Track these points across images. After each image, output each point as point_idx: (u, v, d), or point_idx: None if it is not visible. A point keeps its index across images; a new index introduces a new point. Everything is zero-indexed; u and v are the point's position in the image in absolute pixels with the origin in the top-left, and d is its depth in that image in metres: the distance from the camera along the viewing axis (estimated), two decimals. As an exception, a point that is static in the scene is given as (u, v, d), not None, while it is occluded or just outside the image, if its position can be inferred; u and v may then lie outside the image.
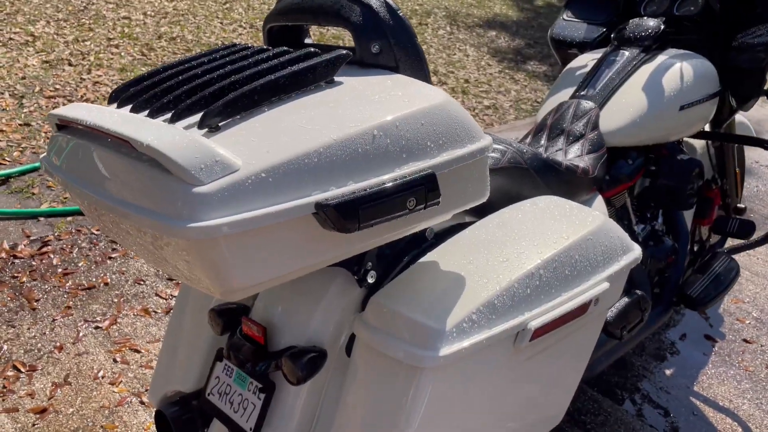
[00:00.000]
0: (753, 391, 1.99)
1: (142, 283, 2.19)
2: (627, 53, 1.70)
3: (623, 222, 1.72)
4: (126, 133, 0.79)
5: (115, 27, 4.82)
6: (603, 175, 1.57)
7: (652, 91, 1.62)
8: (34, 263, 2.22)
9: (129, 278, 2.20)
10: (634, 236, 1.74)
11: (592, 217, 1.16)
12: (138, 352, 1.86)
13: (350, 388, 1.01)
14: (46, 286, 2.11)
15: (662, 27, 1.72)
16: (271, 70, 0.88)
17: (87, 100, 3.57)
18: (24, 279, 2.12)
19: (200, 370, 1.23)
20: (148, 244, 0.84)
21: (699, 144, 2.04)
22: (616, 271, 1.13)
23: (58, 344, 1.86)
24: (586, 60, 1.83)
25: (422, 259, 1.08)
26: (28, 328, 1.92)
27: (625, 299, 1.47)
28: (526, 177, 1.32)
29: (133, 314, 2.02)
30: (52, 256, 2.26)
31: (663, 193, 1.73)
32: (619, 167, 1.67)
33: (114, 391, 1.72)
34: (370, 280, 1.06)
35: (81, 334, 1.91)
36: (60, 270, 2.19)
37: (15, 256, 2.23)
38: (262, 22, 1.03)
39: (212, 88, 0.86)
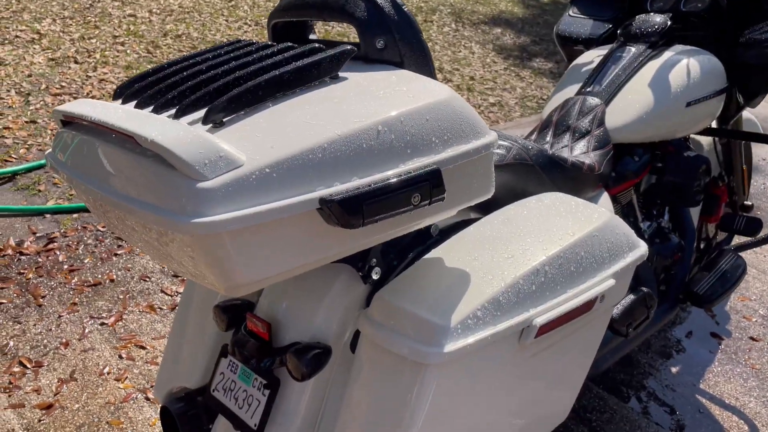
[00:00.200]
0: (759, 389, 1.98)
1: (147, 279, 2.20)
2: (633, 49, 1.69)
3: (629, 219, 1.71)
4: (130, 128, 0.79)
5: (121, 24, 4.83)
6: (609, 172, 1.56)
7: (658, 87, 1.61)
8: (40, 260, 2.22)
9: (134, 275, 2.21)
10: (640, 233, 1.74)
11: (597, 214, 1.15)
12: (143, 348, 1.87)
13: (355, 384, 1.01)
14: (52, 283, 2.11)
15: (669, 23, 1.70)
16: (276, 66, 0.88)
17: (93, 98, 3.58)
18: (30, 275, 2.13)
19: (205, 366, 1.24)
20: (153, 241, 0.84)
21: (706, 141, 2.02)
22: (621, 267, 1.13)
23: (64, 340, 1.87)
24: (592, 56, 1.82)
25: (427, 256, 1.07)
26: (34, 325, 1.92)
27: (631, 296, 1.46)
28: (532, 173, 1.32)
29: (139, 311, 2.03)
30: (58, 252, 2.27)
31: (669, 190, 1.72)
32: (625, 164, 1.66)
33: (119, 387, 1.72)
34: (375, 277, 1.06)
35: (87, 331, 1.92)
36: (66, 267, 2.20)
37: (21, 253, 2.24)
38: (267, 20, 1.03)
39: (216, 83, 0.85)
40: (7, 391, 1.67)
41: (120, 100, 0.95)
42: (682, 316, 2.32)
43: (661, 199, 1.76)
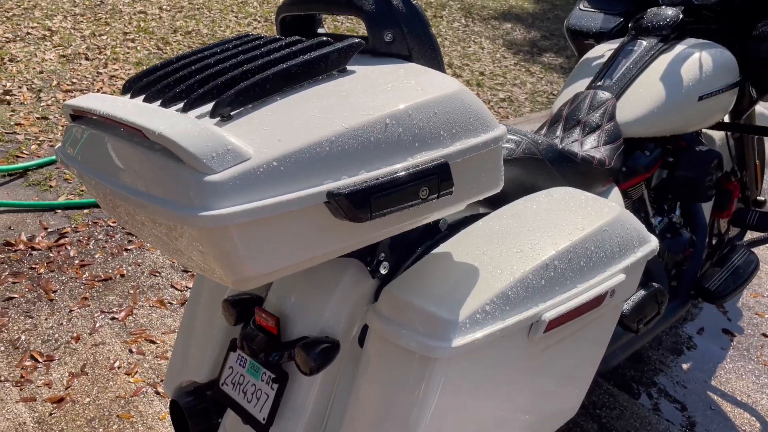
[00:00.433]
0: (772, 386, 1.96)
1: (157, 274, 2.21)
2: (645, 43, 1.68)
3: (640, 214, 1.70)
4: (138, 122, 0.79)
5: (131, 21, 4.84)
6: (619, 167, 1.55)
7: (670, 81, 1.59)
8: (51, 255, 2.24)
9: (145, 270, 2.22)
10: (651, 228, 1.72)
11: (608, 208, 1.14)
12: (153, 342, 1.88)
13: (363, 378, 1.01)
14: (63, 278, 2.13)
15: (681, 16, 1.69)
16: (283, 60, 0.88)
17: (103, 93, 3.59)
18: (42, 270, 2.15)
19: (214, 360, 1.24)
20: (163, 235, 0.84)
21: (718, 135, 2.00)
22: (632, 262, 1.12)
23: (75, 335, 1.88)
24: (603, 50, 1.81)
25: (435, 250, 1.07)
26: (46, 319, 1.94)
27: (642, 292, 1.45)
28: (541, 168, 1.31)
29: (149, 305, 2.04)
30: (69, 247, 2.28)
31: (681, 184, 1.70)
32: (636, 158, 1.65)
33: (130, 382, 1.73)
34: (383, 271, 1.06)
35: (97, 325, 1.93)
36: (77, 261, 2.22)
37: (33, 248, 2.26)
38: (275, 14, 1.02)
39: (224, 77, 0.85)
40: (19, 384, 1.69)
41: (129, 95, 0.95)
42: (693, 313, 2.30)
43: (672, 194, 1.75)
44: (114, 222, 2.45)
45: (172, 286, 2.15)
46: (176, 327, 1.94)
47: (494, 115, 4.15)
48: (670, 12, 1.70)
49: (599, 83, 1.65)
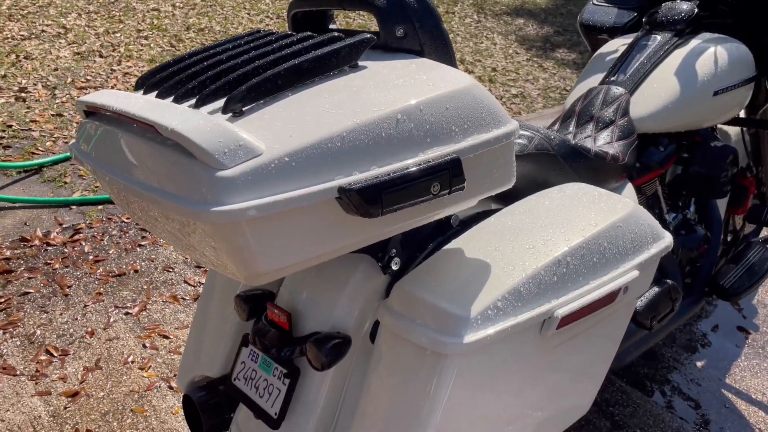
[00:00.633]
0: (788, 384, 1.94)
1: (170, 270, 2.22)
2: (659, 38, 1.66)
3: (654, 210, 1.69)
4: (150, 117, 0.79)
5: (145, 19, 4.87)
6: (633, 163, 1.53)
7: (685, 76, 1.57)
8: (66, 250, 2.26)
9: (158, 265, 2.23)
10: (665, 225, 1.71)
11: (621, 204, 1.13)
12: (167, 338, 1.89)
13: (374, 374, 1.01)
14: (78, 273, 2.15)
15: (696, 10, 1.67)
16: (295, 55, 0.88)
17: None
18: (57, 266, 2.17)
19: (226, 355, 1.25)
20: (176, 231, 0.85)
21: (733, 131, 1.98)
22: (646, 259, 1.11)
23: (89, 329, 1.90)
24: (617, 45, 1.79)
25: (447, 246, 1.06)
26: (61, 314, 1.96)
27: (656, 288, 1.44)
28: (554, 163, 1.30)
29: (162, 301, 2.05)
30: (83, 243, 2.30)
31: (696, 180, 1.69)
32: (650, 154, 1.63)
33: (143, 376, 1.75)
34: (395, 267, 1.05)
35: (111, 320, 1.95)
36: (91, 257, 2.24)
37: (48, 244, 2.28)
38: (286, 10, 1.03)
39: (236, 73, 0.85)
40: (34, 378, 1.71)
41: (141, 91, 0.95)
42: (707, 310, 2.28)
43: (687, 191, 1.73)
44: (128, 218, 2.47)
45: (185, 282, 2.17)
46: (189, 322, 1.95)
47: (507, 111, 4.13)
48: (685, 6, 1.68)
49: (613, 78, 1.63)
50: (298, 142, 0.77)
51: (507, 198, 1.18)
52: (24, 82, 3.59)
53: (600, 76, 1.70)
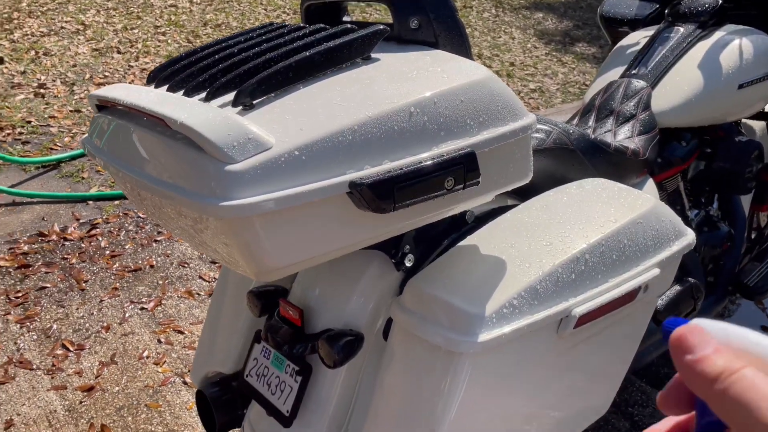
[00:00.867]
0: (814, 385, 1.88)
1: (186, 265, 2.22)
2: (682, 30, 1.62)
3: (676, 207, 1.65)
4: (160, 111, 0.78)
5: (162, 15, 4.89)
6: (654, 158, 1.50)
7: (708, 69, 1.53)
8: (83, 245, 2.27)
9: (173, 261, 2.24)
10: (687, 222, 1.67)
11: (642, 200, 1.10)
12: (181, 333, 1.89)
13: (387, 372, 0.99)
14: (95, 268, 2.16)
15: (720, 1, 1.62)
16: (307, 47, 0.86)
17: (135, 87, 3.63)
18: (73, 261, 2.18)
19: (239, 351, 1.24)
20: (188, 227, 0.84)
21: (758, 125, 1.93)
22: (667, 256, 1.08)
23: (105, 324, 1.91)
24: (638, 38, 1.75)
25: (462, 243, 1.04)
26: (77, 309, 1.97)
27: (677, 287, 1.41)
28: (573, 158, 1.27)
29: (177, 296, 2.06)
30: (100, 238, 2.32)
31: (719, 176, 1.65)
32: (672, 149, 1.59)
33: (158, 371, 1.75)
34: (408, 264, 1.04)
35: (127, 315, 1.95)
36: (108, 252, 2.25)
37: (65, 239, 2.30)
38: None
39: (247, 66, 0.84)
40: (50, 373, 1.72)
41: (153, 85, 0.95)
42: (730, 309, 2.23)
43: (710, 186, 1.69)
44: (144, 213, 2.48)
45: (200, 277, 2.17)
46: (203, 317, 1.95)
47: (525, 106, 4.09)
48: (709, -3, 1.64)
49: (634, 71, 1.60)
50: (309, 135, 0.75)
51: (524, 193, 1.16)
52: (43, 78, 3.62)
53: (620, 70, 1.67)
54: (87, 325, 1.91)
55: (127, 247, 2.30)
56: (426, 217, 0.86)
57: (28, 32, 4.22)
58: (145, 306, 2.00)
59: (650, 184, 1.48)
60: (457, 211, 0.91)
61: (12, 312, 1.93)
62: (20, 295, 2.00)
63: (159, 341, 1.86)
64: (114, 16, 4.73)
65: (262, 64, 0.84)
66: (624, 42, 1.78)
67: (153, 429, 1.56)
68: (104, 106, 0.95)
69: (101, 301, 2.01)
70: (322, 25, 0.93)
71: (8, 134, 2.99)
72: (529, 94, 4.33)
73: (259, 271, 0.79)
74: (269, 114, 0.78)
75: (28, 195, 2.52)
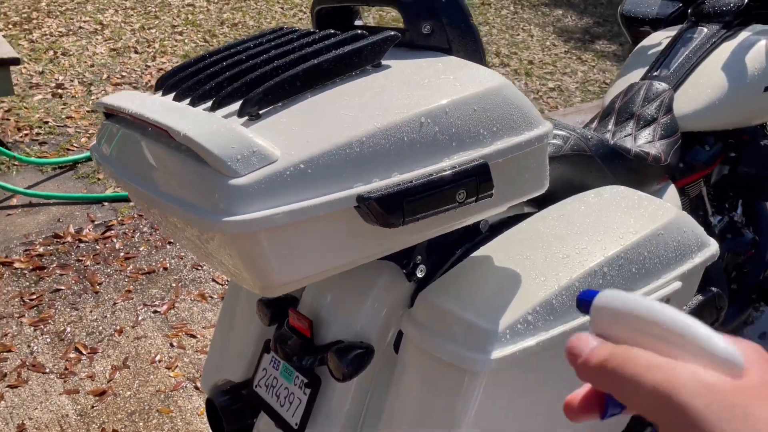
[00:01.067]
0: (841, 397, 1.83)
1: (199, 268, 2.22)
2: (705, 30, 1.57)
3: (698, 213, 1.60)
4: (164, 121, 0.76)
5: (180, 14, 4.90)
6: (676, 163, 1.45)
7: (733, 70, 1.49)
8: (98, 247, 2.28)
9: (187, 263, 2.23)
10: (710, 228, 1.62)
11: (663, 210, 1.06)
12: (194, 337, 1.89)
13: (397, 387, 0.97)
14: (109, 270, 2.16)
15: (746, 1, 1.57)
16: (315, 55, 0.83)
17: (150, 88, 3.65)
18: (88, 263, 2.19)
19: (250, 359, 1.22)
20: (194, 238, 0.82)
21: (785, 128, 1.87)
22: (689, 269, 1.04)
23: (118, 327, 1.91)
24: (660, 38, 1.70)
25: (475, 253, 1.01)
26: (91, 311, 1.97)
27: (699, 297, 1.36)
28: (591, 165, 1.23)
29: (190, 299, 2.05)
30: (114, 240, 2.32)
31: (744, 181, 1.60)
32: (694, 154, 1.55)
33: (170, 376, 1.74)
34: (420, 275, 1.01)
35: (140, 318, 1.95)
36: (122, 254, 2.25)
37: (80, 240, 2.30)
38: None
39: (253, 74, 0.82)
40: (63, 376, 1.72)
41: (161, 92, 0.93)
42: (754, 316, 2.17)
43: (734, 192, 1.64)
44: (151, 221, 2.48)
45: (214, 280, 2.16)
46: (216, 321, 1.94)
47: (543, 106, 4.03)
48: (734, -4, 1.59)
49: (655, 73, 1.55)
50: (315, 147, 0.73)
51: (541, 200, 1.12)
52: (61, 78, 3.65)
53: (641, 71, 1.62)
54: (100, 328, 1.91)
55: (141, 249, 2.30)
56: (437, 230, 0.84)
57: (47, 32, 4.25)
58: (158, 309, 1.99)
59: (672, 190, 1.44)
60: (470, 222, 0.88)
61: (26, 314, 1.94)
62: (35, 297, 2.00)
63: (171, 345, 1.85)
64: (132, 15, 4.75)
65: (269, 73, 0.82)
66: (645, 42, 1.73)
67: (164, 434, 1.55)
68: (111, 113, 0.94)
69: (115, 303, 2.01)
70: (332, 31, 0.91)
71: (26, 135, 3.01)
72: (547, 93, 4.27)
73: (264, 286, 0.76)
74: (275, 125, 0.76)
75: (44, 196, 2.53)
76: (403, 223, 0.75)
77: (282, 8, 5.31)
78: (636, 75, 1.62)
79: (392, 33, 0.86)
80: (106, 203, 2.58)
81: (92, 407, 1.63)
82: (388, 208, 0.73)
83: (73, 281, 2.10)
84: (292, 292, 1.15)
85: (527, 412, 0.93)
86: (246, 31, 4.77)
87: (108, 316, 1.96)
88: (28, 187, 2.59)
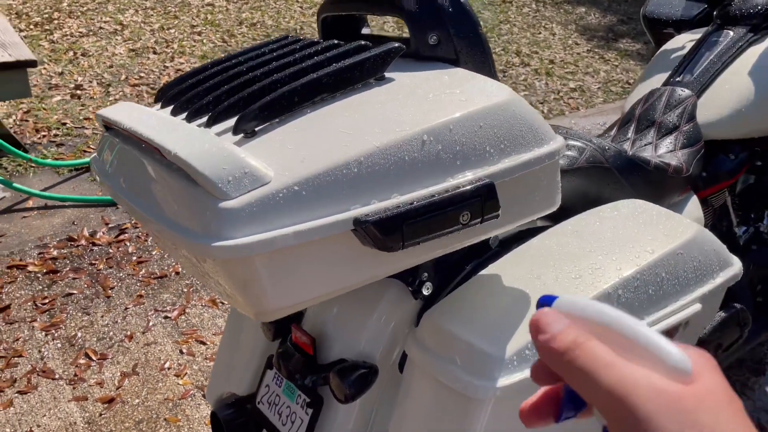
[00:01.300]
0: None
1: (212, 272, 2.20)
2: (732, 33, 1.51)
3: (722, 224, 1.54)
4: (156, 139, 0.73)
5: (199, 14, 4.91)
6: (699, 173, 1.39)
7: (760, 76, 1.42)
8: (111, 251, 2.28)
9: (200, 267, 2.21)
10: (734, 239, 1.56)
11: (683, 227, 1.01)
12: (204, 344, 1.87)
13: (401, 409, 0.94)
14: (121, 274, 2.16)
15: (775, 2, 1.50)
16: (316, 68, 0.80)
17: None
18: (101, 266, 2.18)
19: (254, 373, 1.20)
20: (191, 256, 0.79)
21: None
22: (710, 290, 0.99)
23: (128, 333, 1.90)
24: (684, 41, 1.64)
25: (484, 271, 0.97)
26: (102, 316, 1.96)
27: (722, 314, 1.31)
28: (608, 177, 1.18)
29: (201, 305, 2.03)
30: (128, 244, 2.31)
31: (770, 191, 1.53)
32: (719, 163, 1.48)
33: (179, 384, 1.73)
34: (426, 292, 0.97)
35: (151, 324, 1.94)
36: (135, 258, 2.24)
37: (94, 243, 2.30)
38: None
39: (251, 88, 0.79)
40: (72, 383, 1.71)
41: (160, 104, 0.91)
42: (780, 328, 2.09)
43: (760, 202, 1.57)
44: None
45: (226, 285, 2.14)
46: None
47: (563, 106, 3.95)
48: (761, -2, 1.52)
49: (678, 79, 1.49)
50: (311, 168, 0.69)
51: (555, 215, 1.08)
52: (80, 79, 3.66)
53: (664, 76, 1.56)
54: (111, 333, 1.91)
55: (153, 252, 2.29)
56: (440, 251, 0.80)
57: (68, 32, 4.28)
58: (169, 315, 1.98)
59: (694, 201, 1.38)
60: (475, 242, 0.84)
61: (38, 319, 1.94)
62: (47, 301, 2.00)
63: (181, 352, 1.84)
64: (152, 15, 4.77)
65: (267, 87, 0.79)
66: (668, 46, 1.67)
67: (172, 444, 1.54)
68: (111, 125, 0.92)
69: (126, 308, 2.00)
70: (335, 42, 0.88)
71: (44, 136, 3.03)
72: (568, 94, 4.19)
73: (258, 312, 0.74)
74: (270, 143, 0.73)
75: (59, 198, 2.54)
76: (402, 247, 0.71)
77: (301, 7, 5.29)
78: (658, 80, 1.56)
79: (396, 45, 0.82)
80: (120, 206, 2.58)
81: (100, 415, 1.62)
82: (386, 231, 0.70)
83: (86, 285, 2.10)
84: (296, 307, 1.12)
85: (536, 440, 0.89)
86: (264, 31, 4.75)
87: (119, 321, 1.95)
88: (44, 189, 2.60)
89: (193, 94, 0.86)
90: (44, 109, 3.28)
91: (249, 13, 5.04)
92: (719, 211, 1.53)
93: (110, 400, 1.65)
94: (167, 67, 3.92)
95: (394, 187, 0.72)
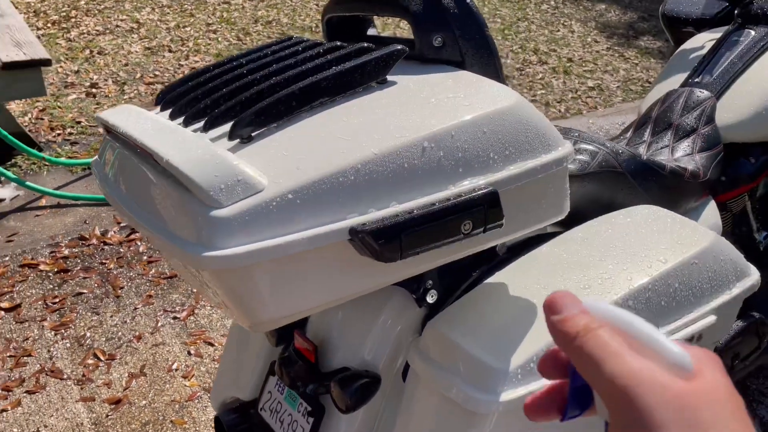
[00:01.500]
0: None
1: (222, 272, 2.19)
2: (753, 33, 1.46)
3: (742, 229, 1.49)
4: (150, 145, 0.72)
5: (215, 12, 4.92)
6: (717, 177, 1.35)
7: (782, 77, 1.37)
8: (121, 250, 2.28)
9: (210, 267, 2.21)
10: (754, 245, 1.51)
11: (698, 235, 0.98)
12: (212, 345, 1.86)
13: (403, 420, 0.91)
14: (131, 274, 2.15)
15: (798, 1, 1.45)
16: (316, 71, 0.78)
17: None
18: (111, 266, 2.18)
19: (258, 378, 1.18)
20: (186, 265, 0.78)
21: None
22: (726, 301, 0.95)
23: (137, 333, 1.90)
24: (703, 40, 1.59)
25: (490, 279, 0.95)
26: (111, 316, 1.96)
27: (740, 323, 1.27)
28: (622, 182, 1.15)
29: (210, 306, 2.03)
30: (138, 243, 2.31)
31: (792, 196, 1.48)
32: (738, 167, 1.44)
33: (186, 385, 1.72)
34: (431, 300, 0.95)
35: (159, 324, 1.94)
36: (145, 257, 2.24)
37: (105, 243, 2.31)
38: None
39: (248, 92, 0.77)
40: (80, 383, 1.71)
41: (159, 107, 0.89)
42: (802, 335, 2.03)
43: (781, 207, 1.52)
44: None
45: (235, 286, 2.13)
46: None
47: (582, 106, 3.88)
48: (785, -4, 1.47)
49: (697, 79, 1.45)
50: (306, 175, 0.67)
51: (566, 220, 1.04)
52: (96, 77, 3.68)
53: (682, 77, 1.52)
54: (120, 333, 1.90)
55: (165, 252, 2.28)
56: (441, 261, 0.78)
57: (84, 31, 4.31)
58: (178, 315, 1.98)
59: (711, 206, 1.34)
60: (478, 250, 0.81)
61: (48, 318, 1.94)
62: (57, 300, 2.01)
63: (189, 353, 1.83)
64: (168, 13, 4.78)
65: (265, 91, 0.76)
66: (687, 45, 1.63)
67: (178, 446, 1.53)
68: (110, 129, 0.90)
69: (135, 308, 2.00)
70: (338, 43, 0.85)
71: (58, 134, 3.05)
72: (586, 92, 4.13)
73: (252, 323, 0.72)
74: (266, 149, 0.71)
75: (71, 197, 2.54)
76: (400, 258, 0.69)
77: (317, 5, 5.27)
78: (676, 81, 1.52)
79: (399, 47, 0.80)
80: (133, 205, 2.58)
81: (107, 416, 1.61)
82: (383, 241, 0.67)
83: (96, 285, 2.10)
84: (299, 313, 1.10)
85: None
86: (280, 29, 4.74)
87: (128, 321, 1.95)
88: (58, 188, 2.61)
89: (192, 97, 0.84)
90: (59, 107, 3.29)
91: (265, 11, 5.04)
92: (739, 216, 1.48)
93: (117, 401, 1.65)
94: (182, 66, 3.93)
95: (393, 195, 0.70)
